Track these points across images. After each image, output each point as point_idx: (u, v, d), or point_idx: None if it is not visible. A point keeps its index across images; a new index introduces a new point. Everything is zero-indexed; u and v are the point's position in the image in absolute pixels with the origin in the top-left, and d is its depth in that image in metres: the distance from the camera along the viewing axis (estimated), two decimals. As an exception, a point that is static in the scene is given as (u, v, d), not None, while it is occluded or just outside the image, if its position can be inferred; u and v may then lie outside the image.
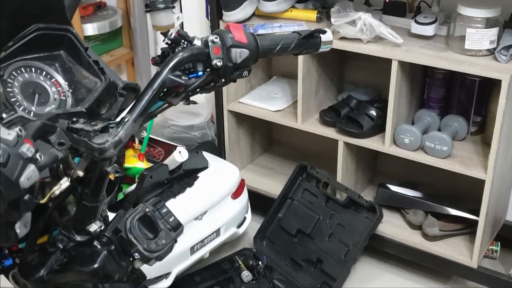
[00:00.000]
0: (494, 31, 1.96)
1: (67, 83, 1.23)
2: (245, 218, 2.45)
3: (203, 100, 2.95)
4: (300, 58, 2.24)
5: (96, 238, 1.08)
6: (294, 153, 2.77)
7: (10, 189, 0.78)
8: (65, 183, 0.94)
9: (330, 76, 2.46)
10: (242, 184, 2.41)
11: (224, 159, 2.62)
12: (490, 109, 2.18)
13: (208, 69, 1.15)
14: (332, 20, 2.13)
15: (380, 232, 2.32)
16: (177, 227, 1.11)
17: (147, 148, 2.51)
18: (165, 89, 1.12)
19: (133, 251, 1.05)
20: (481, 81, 2.16)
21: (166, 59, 1.11)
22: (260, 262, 2.36)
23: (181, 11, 2.92)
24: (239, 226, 2.41)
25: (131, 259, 1.08)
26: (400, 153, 2.19)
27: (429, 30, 2.10)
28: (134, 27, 3.07)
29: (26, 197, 0.81)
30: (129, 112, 1.07)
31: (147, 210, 1.09)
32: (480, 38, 1.96)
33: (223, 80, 1.18)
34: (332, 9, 2.15)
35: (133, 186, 2.17)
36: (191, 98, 1.20)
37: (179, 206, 2.15)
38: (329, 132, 2.33)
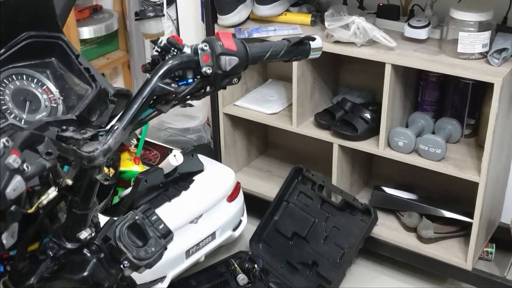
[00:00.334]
0: (486, 35, 1.96)
1: (58, 90, 1.23)
2: (240, 221, 2.45)
3: (199, 103, 2.96)
4: (295, 62, 2.25)
5: (86, 246, 1.08)
6: (290, 156, 2.78)
7: None
8: (52, 192, 0.95)
9: (325, 79, 2.46)
10: (237, 187, 2.41)
11: (220, 162, 2.63)
12: (483, 112, 2.18)
13: (198, 77, 1.16)
14: (326, 23, 2.14)
15: (375, 235, 2.33)
16: (167, 235, 1.12)
17: (142, 151, 2.51)
18: (155, 97, 1.12)
19: (123, 259, 1.06)
20: (474, 84, 2.16)
21: (156, 67, 1.12)
22: (256, 265, 2.36)
23: (176, 15, 2.93)
24: (234, 229, 2.41)
25: (120, 266, 1.08)
26: (394, 156, 2.19)
27: (422, 34, 2.11)
28: (130, 30, 3.07)
29: (13, 208, 0.82)
30: (118, 120, 1.07)
31: (136, 217, 1.09)
32: (473, 41, 1.96)
33: (213, 87, 1.18)
34: (326, 13, 2.16)
35: (129, 190, 2.18)
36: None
37: (174, 209, 2.18)
38: (324, 135, 2.34)
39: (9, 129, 1.09)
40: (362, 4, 2.35)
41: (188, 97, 1.17)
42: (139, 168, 2.44)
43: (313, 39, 1.27)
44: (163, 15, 1.17)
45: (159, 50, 1.18)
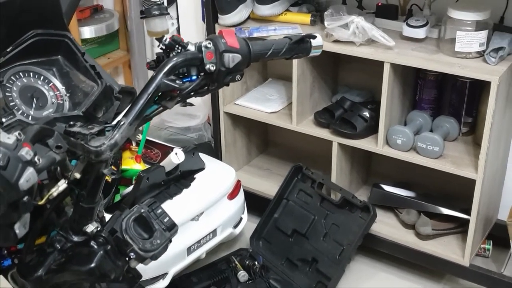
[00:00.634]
0: (483, 34, 1.99)
1: (64, 87, 1.26)
2: (241, 218, 2.48)
3: (200, 102, 2.98)
4: (295, 61, 2.28)
5: (92, 238, 1.11)
6: (290, 154, 2.80)
7: (10, 191, 0.82)
8: (62, 185, 0.98)
9: (324, 78, 2.49)
10: (238, 185, 2.44)
11: (221, 160, 2.65)
12: (481, 110, 2.21)
13: (201, 74, 1.19)
14: (326, 23, 2.17)
15: (374, 232, 2.35)
16: (172, 227, 1.15)
17: (144, 149, 2.53)
18: (160, 93, 1.15)
19: (129, 250, 1.09)
20: (471, 82, 2.19)
21: (161, 64, 1.15)
22: (256, 262, 2.39)
23: (177, 15, 2.95)
24: (235, 226, 2.44)
25: (126, 258, 1.11)
26: (392, 154, 2.22)
27: (420, 33, 2.13)
28: (131, 30, 3.09)
29: (25, 198, 0.85)
30: (125, 115, 1.10)
31: (142, 211, 1.12)
32: (470, 40, 1.99)
33: (216, 84, 1.21)
34: (325, 13, 2.18)
35: (130, 188, 2.20)
36: (188, 100, 1.23)
37: (176, 207, 2.18)
38: (324, 133, 2.36)
39: (17, 125, 1.12)
40: (361, 3, 2.37)
41: (192, 93, 1.20)
42: (140, 166, 2.46)
43: (314, 37, 1.30)
44: (168, 13, 1.19)
45: (163, 47, 1.20)
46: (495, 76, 1.90)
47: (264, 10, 2.38)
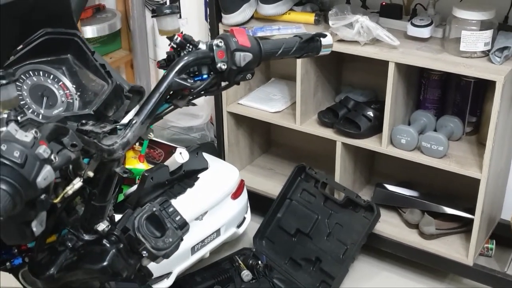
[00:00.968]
0: (488, 33, 1.99)
1: (74, 86, 1.25)
2: (244, 218, 2.48)
3: (202, 102, 2.98)
4: (299, 60, 2.28)
5: (105, 236, 1.11)
6: (293, 154, 2.80)
7: (28, 189, 0.82)
8: (78, 183, 0.97)
9: (328, 78, 2.49)
10: (241, 184, 2.44)
11: (224, 160, 2.65)
12: (485, 110, 2.22)
13: (212, 72, 1.19)
14: (330, 22, 2.17)
15: (377, 231, 2.36)
16: (183, 226, 1.14)
17: (147, 149, 2.53)
18: (171, 92, 1.15)
19: (141, 249, 1.08)
20: (476, 82, 2.19)
21: (172, 63, 1.15)
22: (259, 262, 2.39)
23: (180, 15, 2.95)
24: (239, 226, 2.44)
25: (139, 257, 1.11)
26: (397, 153, 2.22)
27: (425, 33, 2.14)
28: (133, 30, 3.09)
29: (43, 196, 0.84)
30: (136, 114, 1.10)
31: (154, 209, 1.12)
32: (475, 40, 2.00)
33: (227, 82, 1.21)
34: (330, 12, 2.19)
35: (134, 188, 2.19)
36: (190, 100, 1.23)
37: (179, 206, 2.19)
38: (327, 133, 2.36)
39: (28, 123, 1.12)
40: (365, 3, 2.37)
41: (203, 92, 1.20)
42: (143, 166, 2.46)
43: (324, 35, 1.30)
44: (179, 12, 1.19)
45: (174, 46, 1.20)
46: (500, 76, 1.91)
47: (268, 9, 2.38)
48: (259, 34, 2.32)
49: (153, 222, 1.11)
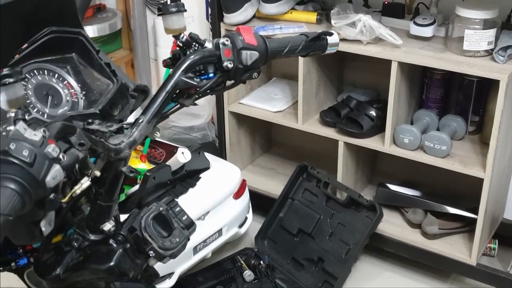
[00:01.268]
0: (492, 32, 1.99)
1: (79, 85, 1.25)
2: (246, 218, 2.47)
3: (204, 102, 2.97)
4: (301, 59, 2.27)
5: (111, 236, 1.10)
6: (294, 154, 2.80)
7: (37, 188, 0.81)
8: (86, 182, 0.97)
9: (330, 77, 2.49)
10: (243, 184, 2.43)
11: (225, 159, 2.64)
12: (487, 109, 2.21)
13: (218, 71, 1.18)
14: (333, 21, 2.16)
15: (380, 231, 2.35)
16: (190, 225, 1.14)
17: (148, 149, 2.53)
18: (177, 91, 1.14)
19: (148, 249, 1.08)
20: (479, 81, 2.19)
21: (179, 62, 1.14)
22: (261, 262, 2.38)
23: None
24: (240, 226, 2.43)
25: (145, 257, 1.10)
26: (400, 153, 2.22)
27: (428, 32, 2.13)
28: (134, 29, 3.09)
29: (52, 196, 0.84)
30: (143, 113, 1.10)
31: (161, 209, 1.11)
32: (478, 39, 1.99)
33: (233, 81, 1.20)
34: (332, 11, 2.18)
35: (135, 187, 2.19)
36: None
37: (182, 206, 2.19)
38: (330, 133, 2.36)
39: (33, 122, 1.11)
40: (367, 2, 2.37)
41: (209, 91, 1.19)
42: (145, 165, 2.46)
43: (330, 34, 1.29)
44: (185, 10, 1.18)
45: (180, 45, 1.19)
46: (504, 75, 1.90)
47: (269, 8, 2.37)
48: (261, 33, 2.30)
49: (160, 221, 1.10)
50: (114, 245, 1.09)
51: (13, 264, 1.18)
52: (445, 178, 2.33)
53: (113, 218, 1.15)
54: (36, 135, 0.82)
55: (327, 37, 1.29)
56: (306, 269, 2.35)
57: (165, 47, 2.97)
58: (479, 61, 2.00)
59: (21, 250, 1.18)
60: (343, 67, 2.56)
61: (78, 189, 0.95)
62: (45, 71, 1.23)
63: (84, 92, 1.24)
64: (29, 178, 0.80)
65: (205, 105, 2.99)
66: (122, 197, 2.38)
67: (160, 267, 2.12)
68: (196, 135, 2.97)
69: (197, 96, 1.17)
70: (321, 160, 2.61)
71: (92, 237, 1.12)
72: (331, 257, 2.30)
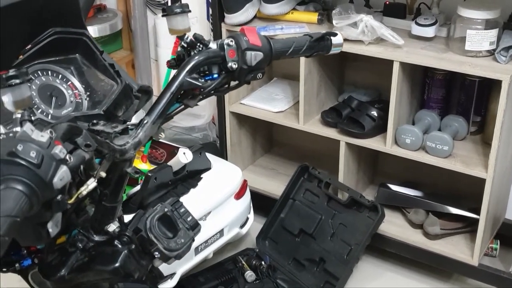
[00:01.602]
0: (493, 32, 1.99)
1: (83, 86, 1.24)
2: (247, 218, 2.47)
3: (204, 102, 2.93)
4: (302, 60, 2.27)
5: (116, 237, 1.10)
6: (295, 154, 2.80)
7: (44, 189, 0.80)
8: (92, 183, 0.96)
9: (331, 78, 2.49)
10: (244, 184, 2.43)
11: (226, 160, 2.64)
12: (489, 109, 2.21)
13: (223, 72, 1.18)
14: (334, 22, 2.16)
15: (381, 232, 2.35)
16: (195, 226, 1.14)
17: (149, 149, 2.53)
18: (182, 91, 1.14)
19: (153, 250, 1.07)
20: (480, 81, 2.19)
21: (183, 62, 1.14)
22: (263, 262, 2.38)
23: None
24: (242, 226, 2.43)
25: (150, 258, 1.10)
26: (401, 153, 2.22)
27: (429, 32, 2.13)
28: (135, 30, 3.08)
29: (59, 197, 0.83)
30: (147, 114, 1.09)
31: (166, 210, 1.11)
32: (480, 39, 1.99)
33: (237, 82, 1.20)
34: (333, 11, 2.18)
35: (137, 188, 2.19)
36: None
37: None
38: (331, 133, 2.36)
39: (38, 123, 1.11)
40: (368, 2, 2.37)
41: (213, 92, 1.19)
42: (146, 166, 2.46)
43: (335, 34, 1.29)
44: (190, 11, 1.18)
45: (185, 45, 1.19)
46: (506, 75, 1.90)
47: (271, 9, 2.37)
48: (262, 33, 2.29)
49: (165, 222, 1.10)
50: (119, 246, 1.09)
51: (17, 265, 1.17)
52: (447, 178, 2.33)
53: (117, 219, 1.15)
54: (43, 136, 0.82)
55: (331, 37, 1.29)
56: (308, 270, 2.35)
57: (165, 47, 2.97)
58: (481, 61, 2.00)
59: (25, 251, 1.17)
60: (344, 67, 2.56)
61: (85, 190, 0.95)
62: (49, 72, 1.23)
63: (88, 93, 1.24)
64: (36, 180, 0.79)
65: (206, 106, 2.99)
66: (124, 197, 2.38)
67: (161, 268, 2.12)
68: (197, 135, 2.97)
69: (201, 97, 1.17)
70: (322, 160, 2.61)
71: (96, 238, 1.12)
72: (333, 258, 2.29)
